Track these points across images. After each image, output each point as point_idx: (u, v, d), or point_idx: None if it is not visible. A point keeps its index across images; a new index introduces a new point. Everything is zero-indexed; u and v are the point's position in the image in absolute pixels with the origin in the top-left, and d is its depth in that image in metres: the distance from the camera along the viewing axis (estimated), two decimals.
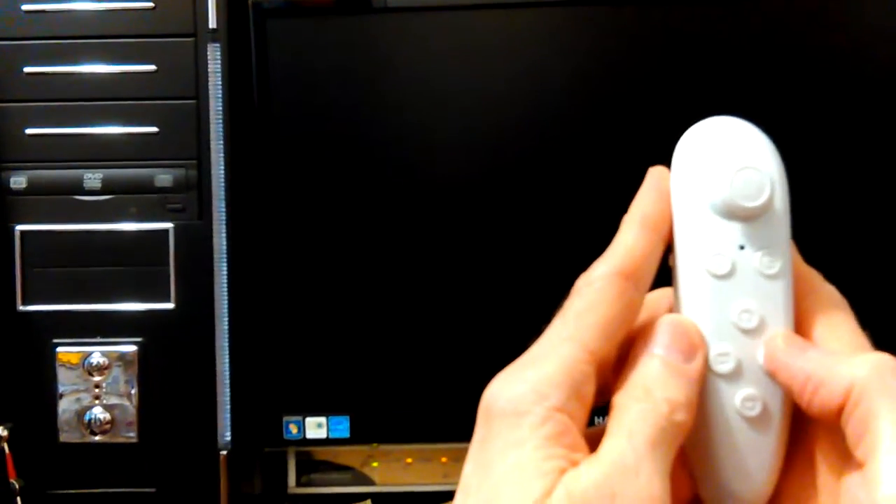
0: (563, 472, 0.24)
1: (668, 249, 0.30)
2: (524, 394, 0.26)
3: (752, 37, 0.67)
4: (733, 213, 0.28)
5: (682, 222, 0.29)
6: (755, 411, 0.28)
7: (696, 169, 0.29)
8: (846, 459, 0.27)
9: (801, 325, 0.29)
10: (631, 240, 0.28)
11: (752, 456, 0.28)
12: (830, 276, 0.30)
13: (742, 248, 0.28)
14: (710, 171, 0.29)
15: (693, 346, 0.27)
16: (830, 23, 0.68)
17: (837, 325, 0.28)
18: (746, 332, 0.28)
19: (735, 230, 0.28)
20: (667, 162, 0.31)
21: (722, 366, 0.28)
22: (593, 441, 0.26)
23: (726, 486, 0.28)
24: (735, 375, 0.28)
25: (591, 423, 0.27)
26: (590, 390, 0.27)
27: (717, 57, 0.68)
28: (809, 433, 0.28)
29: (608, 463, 0.25)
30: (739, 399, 0.28)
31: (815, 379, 0.27)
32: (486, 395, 0.27)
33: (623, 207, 0.30)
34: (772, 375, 0.28)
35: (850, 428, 0.26)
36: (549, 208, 0.69)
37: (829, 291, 0.29)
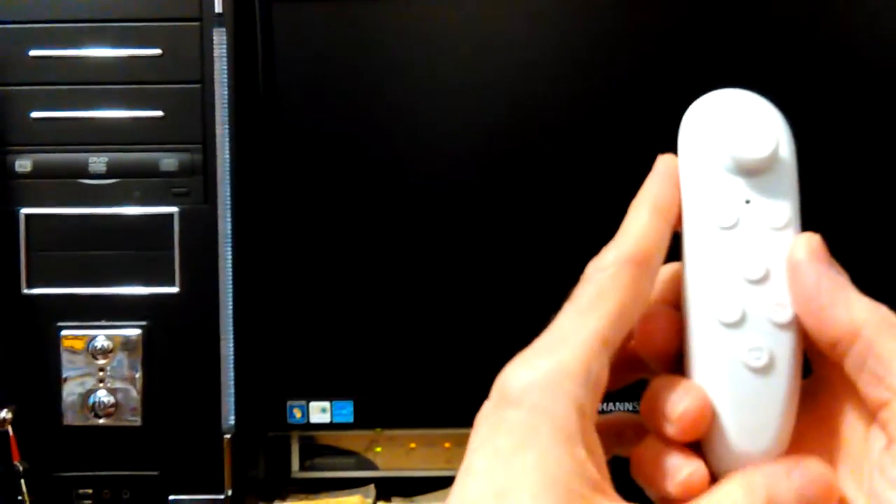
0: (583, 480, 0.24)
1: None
2: (541, 384, 0.25)
3: (758, 23, 0.67)
4: (739, 168, 0.29)
5: (689, 182, 0.29)
6: (761, 361, 0.28)
7: (701, 129, 0.30)
8: (867, 415, 0.27)
9: None
10: (642, 225, 0.28)
11: (760, 410, 0.28)
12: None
13: (748, 202, 0.29)
14: (715, 129, 0.29)
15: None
16: (836, 13, 0.68)
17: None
18: (752, 282, 0.28)
19: (741, 185, 0.29)
20: (673, 150, 0.31)
21: (727, 316, 0.28)
22: (603, 428, 0.26)
23: (734, 446, 0.28)
24: (740, 325, 0.28)
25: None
26: (604, 380, 0.27)
27: (725, 44, 0.68)
28: (829, 383, 0.28)
29: None
30: (745, 349, 0.28)
31: (821, 299, 0.27)
32: (501, 381, 0.26)
33: (626, 194, 0.30)
34: (789, 276, 0.28)
35: (863, 382, 0.26)
36: (555, 193, 0.69)
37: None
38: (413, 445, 0.75)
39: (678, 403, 0.27)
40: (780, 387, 0.28)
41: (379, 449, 0.76)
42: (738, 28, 0.68)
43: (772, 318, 0.28)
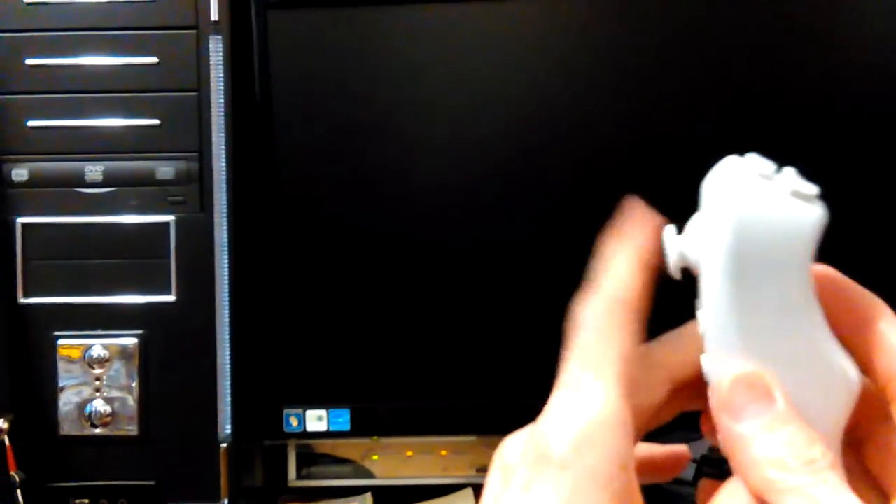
0: None
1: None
2: (584, 443, 0.25)
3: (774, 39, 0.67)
4: None
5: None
6: None
7: (712, 215, 0.27)
8: None
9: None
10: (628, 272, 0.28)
11: None
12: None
13: None
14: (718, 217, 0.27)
15: None
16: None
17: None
18: None
19: None
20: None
21: None
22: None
23: None
24: None
25: None
26: (633, 426, 0.26)
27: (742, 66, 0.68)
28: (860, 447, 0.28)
29: None
30: None
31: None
32: (539, 437, 0.26)
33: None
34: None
35: None
36: (558, 210, 0.69)
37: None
38: (410, 453, 0.76)
39: None
40: None
41: (376, 457, 0.76)
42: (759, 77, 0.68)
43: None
